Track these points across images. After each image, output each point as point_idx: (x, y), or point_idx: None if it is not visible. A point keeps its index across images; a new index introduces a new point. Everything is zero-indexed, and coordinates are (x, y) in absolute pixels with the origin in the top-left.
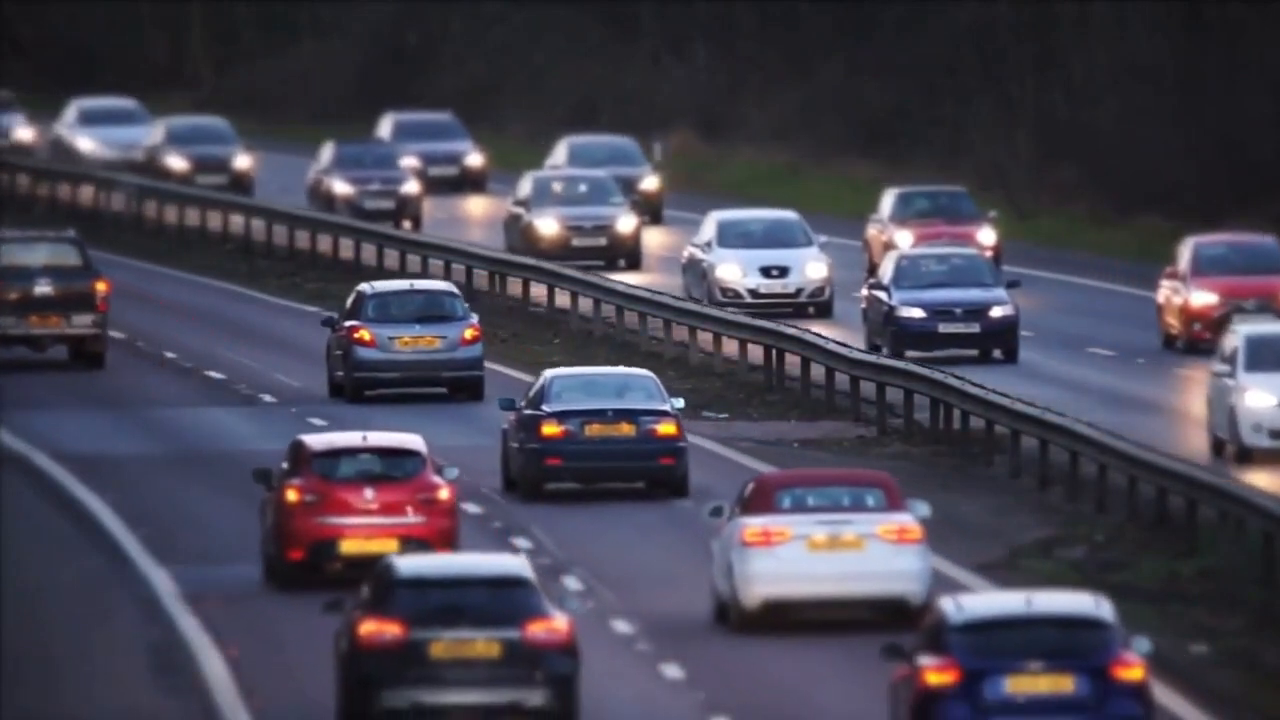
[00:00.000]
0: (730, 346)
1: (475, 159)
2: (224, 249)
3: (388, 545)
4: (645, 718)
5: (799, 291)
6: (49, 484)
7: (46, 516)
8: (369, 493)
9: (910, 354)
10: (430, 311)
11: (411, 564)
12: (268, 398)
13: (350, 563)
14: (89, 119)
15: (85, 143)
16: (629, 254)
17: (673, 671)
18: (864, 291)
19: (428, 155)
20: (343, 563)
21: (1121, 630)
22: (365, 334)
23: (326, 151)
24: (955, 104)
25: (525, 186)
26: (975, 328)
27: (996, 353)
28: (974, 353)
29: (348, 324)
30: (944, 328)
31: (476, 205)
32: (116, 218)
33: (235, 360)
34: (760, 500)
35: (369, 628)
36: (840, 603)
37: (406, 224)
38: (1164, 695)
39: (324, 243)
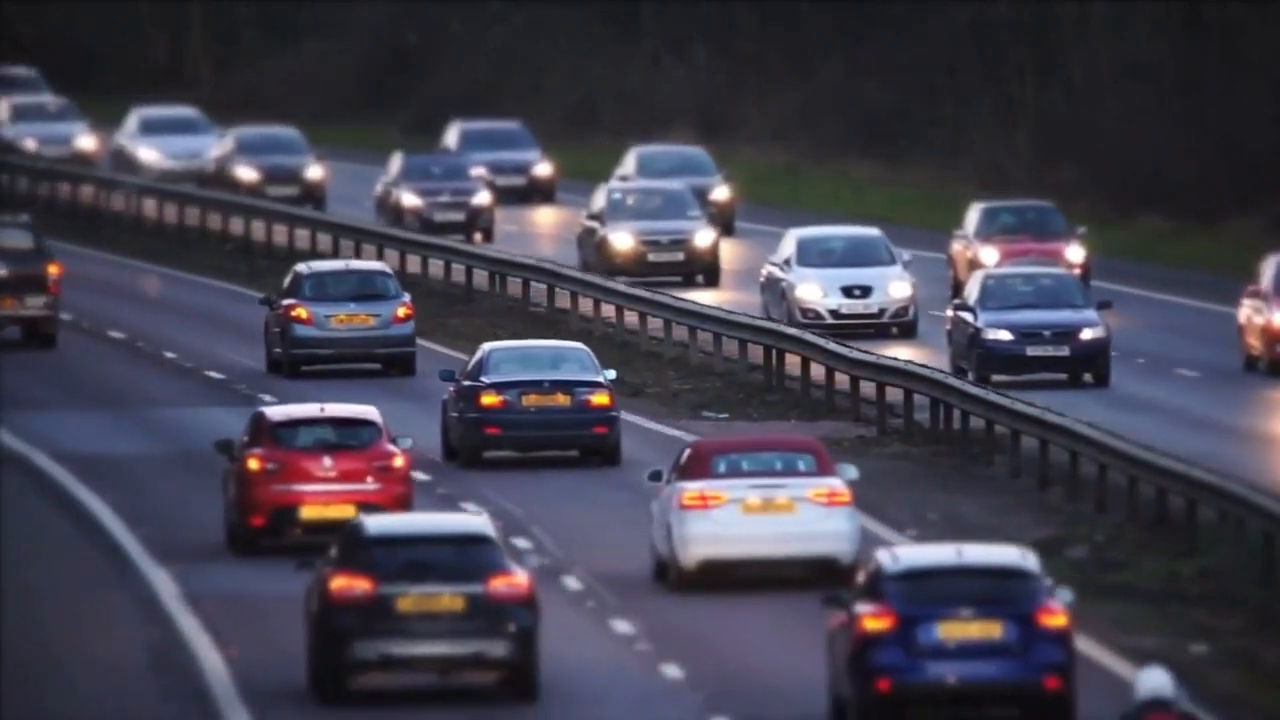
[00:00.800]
0: (730, 346)
1: (544, 168)
2: (224, 249)
3: (345, 511)
4: (644, 716)
5: (882, 312)
6: (49, 484)
7: (46, 516)
8: (327, 461)
9: (998, 379)
10: (364, 290)
11: (379, 523)
12: (268, 398)
13: (309, 528)
14: (150, 128)
15: (147, 153)
16: (707, 269)
17: (673, 672)
18: (949, 312)
19: (495, 165)
20: (302, 528)
21: (1046, 581)
22: (302, 312)
23: (395, 162)
24: (955, 104)
25: (599, 199)
26: (1065, 351)
27: (1087, 377)
28: (1063, 377)
29: (285, 302)
30: (1032, 351)
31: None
32: (116, 218)
33: (235, 360)
34: (696, 466)
35: (340, 583)
36: (774, 562)
37: (478, 237)
38: None
39: (324, 242)
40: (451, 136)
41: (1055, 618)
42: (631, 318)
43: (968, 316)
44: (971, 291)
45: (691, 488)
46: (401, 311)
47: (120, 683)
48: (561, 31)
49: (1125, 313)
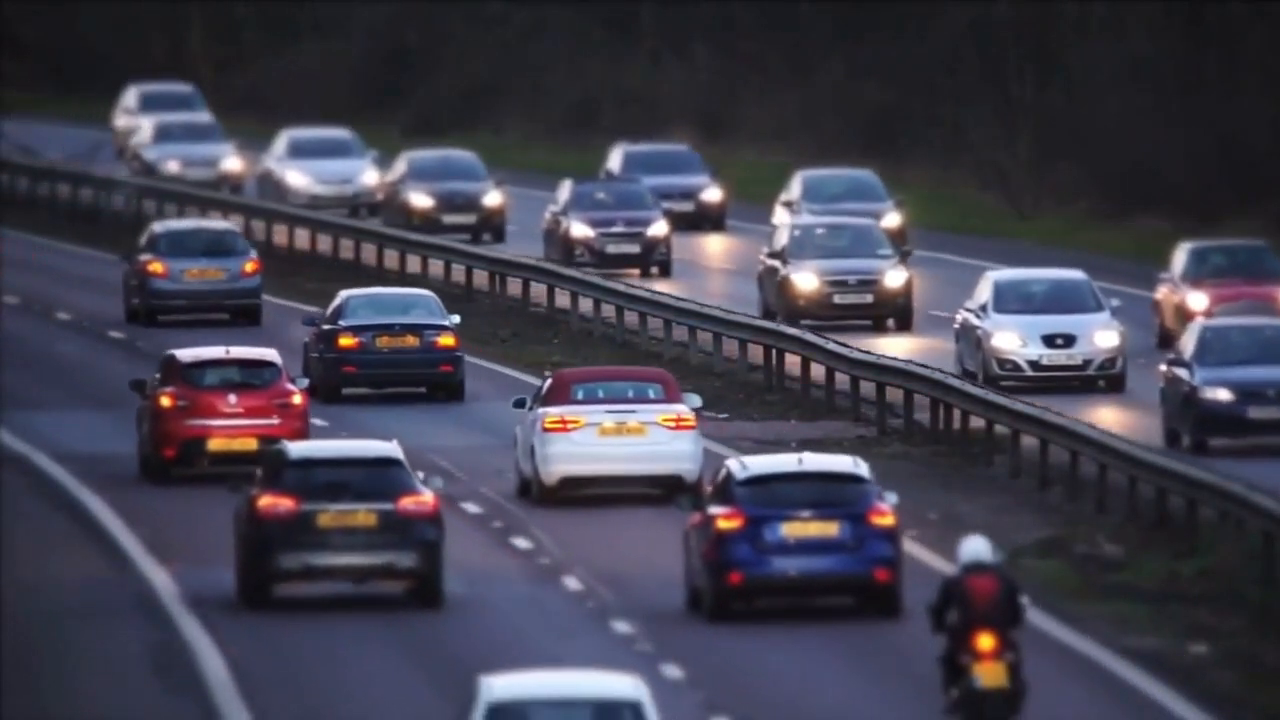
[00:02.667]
0: (730, 346)
1: (713, 194)
2: None
3: (249, 444)
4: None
5: (1087, 363)
6: (49, 484)
7: (46, 516)
8: (232, 398)
9: (1216, 444)
10: (216, 247)
11: (300, 448)
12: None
13: (216, 459)
14: (299, 151)
15: (295, 177)
16: (898, 312)
17: (673, 672)
18: (1162, 368)
19: (662, 190)
20: (209, 459)
21: (876, 485)
22: (158, 266)
23: (564, 190)
24: (955, 104)
25: (781, 236)
26: None
27: None
28: None
29: (142, 258)
30: (1255, 412)
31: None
32: (116, 217)
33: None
34: (557, 393)
35: (266, 501)
36: (625, 479)
37: (655, 270)
38: (1164, 695)
39: (324, 243)
40: (615, 159)
41: (884, 518)
42: (631, 318)
43: (1182, 373)
44: (1187, 344)
45: (553, 412)
46: (249, 266)
47: (120, 683)
48: (561, 31)
49: (1126, 312)
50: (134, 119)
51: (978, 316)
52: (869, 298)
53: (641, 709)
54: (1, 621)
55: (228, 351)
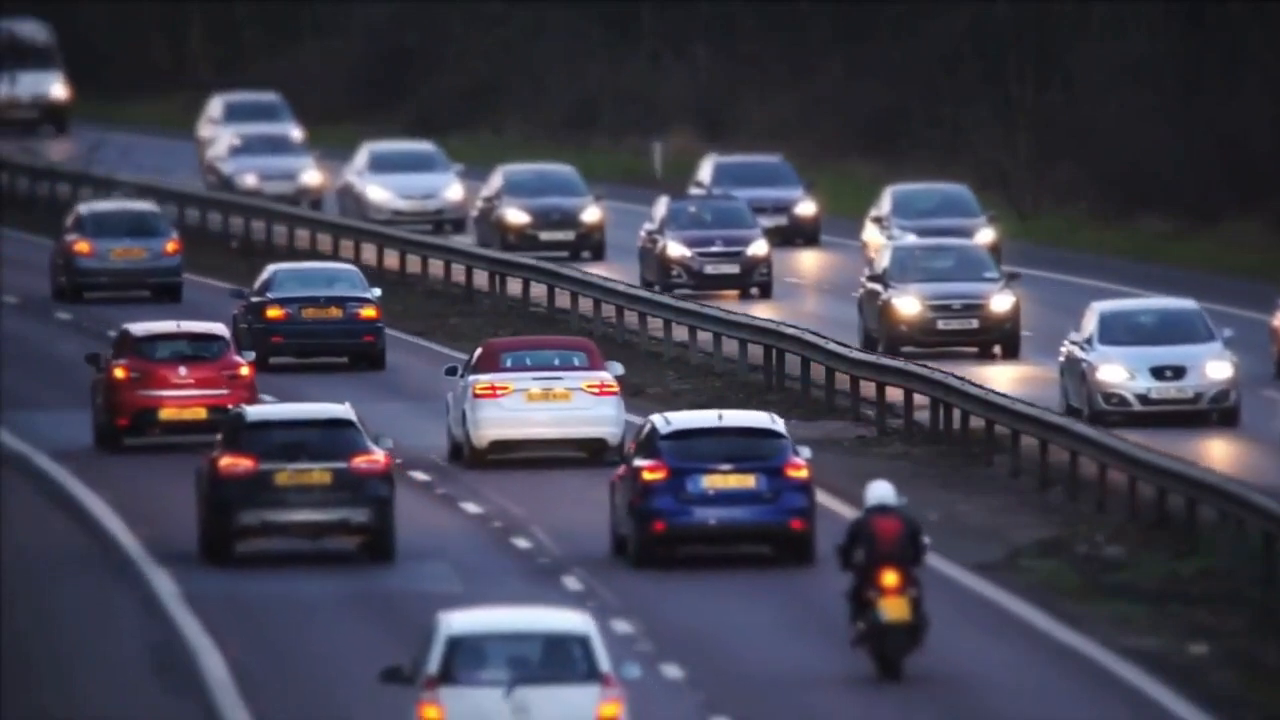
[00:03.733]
0: (730, 346)
1: (807, 207)
2: (224, 249)
3: (198, 413)
4: (645, 716)
5: (1198, 396)
6: (49, 484)
7: (46, 516)
8: (183, 370)
9: None
10: (138, 227)
11: (259, 411)
12: (268, 397)
13: (167, 428)
14: (381, 165)
15: (377, 192)
16: (1006, 338)
17: (673, 672)
18: None
19: (754, 204)
20: (161, 428)
21: (791, 440)
22: (84, 245)
23: (660, 206)
24: (955, 104)
25: (883, 257)
26: None
27: None
28: None
29: (69, 238)
30: None
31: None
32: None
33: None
34: (487, 361)
35: (227, 462)
36: (551, 442)
37: (755, 291)
38: (1164, 695)
39: (324, 243)
40: (705, 171)
41: (799, 471)
42: (631, 318)
43: None
44: None
45: (483, 379)
46: (170, 246)
47: (120, 683)
48: (561, 31)
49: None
50: (218, 129)
51: (1082, 349)
52: (974, 323)
53: (589, 641)
54: (1, 621)
55: (179, 325)
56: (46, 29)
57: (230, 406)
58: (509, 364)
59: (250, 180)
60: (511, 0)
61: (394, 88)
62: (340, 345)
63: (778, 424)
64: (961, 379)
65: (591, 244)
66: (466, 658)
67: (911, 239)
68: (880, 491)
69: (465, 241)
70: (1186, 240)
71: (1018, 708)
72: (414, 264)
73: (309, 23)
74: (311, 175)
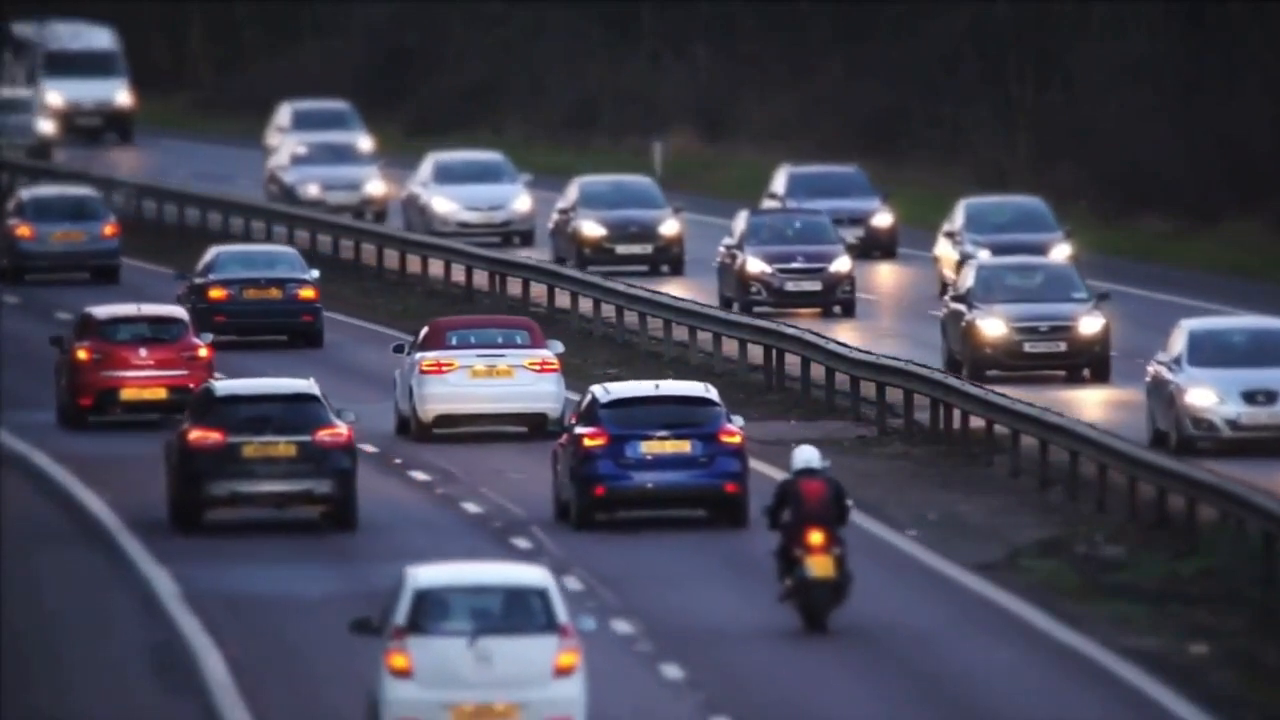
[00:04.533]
0: (730, 346)
1: (884, 218)
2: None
3: (158, 393)
4: (644, 716)
5: None
6: (49, 484)
7: (46, 516)
8: (143, 352)
9: None
10: (78, 211)
11: (226, 385)
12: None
13: (128, 407)
14: (447, 175)
15: (442, 203)
16: (1095, 362)
17: (673, 672)
18: None
19: (830, 214)
20: (122, 407)
21: (724, 408)
22: (26, 229)
23: (739, 221)
24: (955, 104)
25: (967, 276)
26: None
27: None
28: None
29: (11, 222)
30: None
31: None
32: (116, 218)
33: (235, 360)
34: (433, 339)
35: (196, 435)
36: (495, 417)
37: (837, 309)
38: (1164, 695)
39: (324, 242)
40: (779, 181)
41: (733, 437)
42: (631, 318)
43: None
44: None
45: (429, 356)
46: (108, 230)
47: (120, 683)
48: (561, 31)
49: (1122, 311)
50: (286, 137)
51: (1170, 370)
52: (1062, 346)
53: (547, 594)
54: (1, 621)
55: (139, 309)
56: (112, 34)
57: (192, 386)
58: (454, 342)
59: (313, 190)
60: (511, 0)
61: (394, 88)
62: (280, 324)
63: (712, 393)
64: (961, 378)
65: (670, 258)
66: (432, 609)
67: (985, 254)
68: (806, 455)
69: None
70: (1186, 240)
71: (1018, 708)
72: (414, 263)
73: (309, 23)
74: (375, 185)
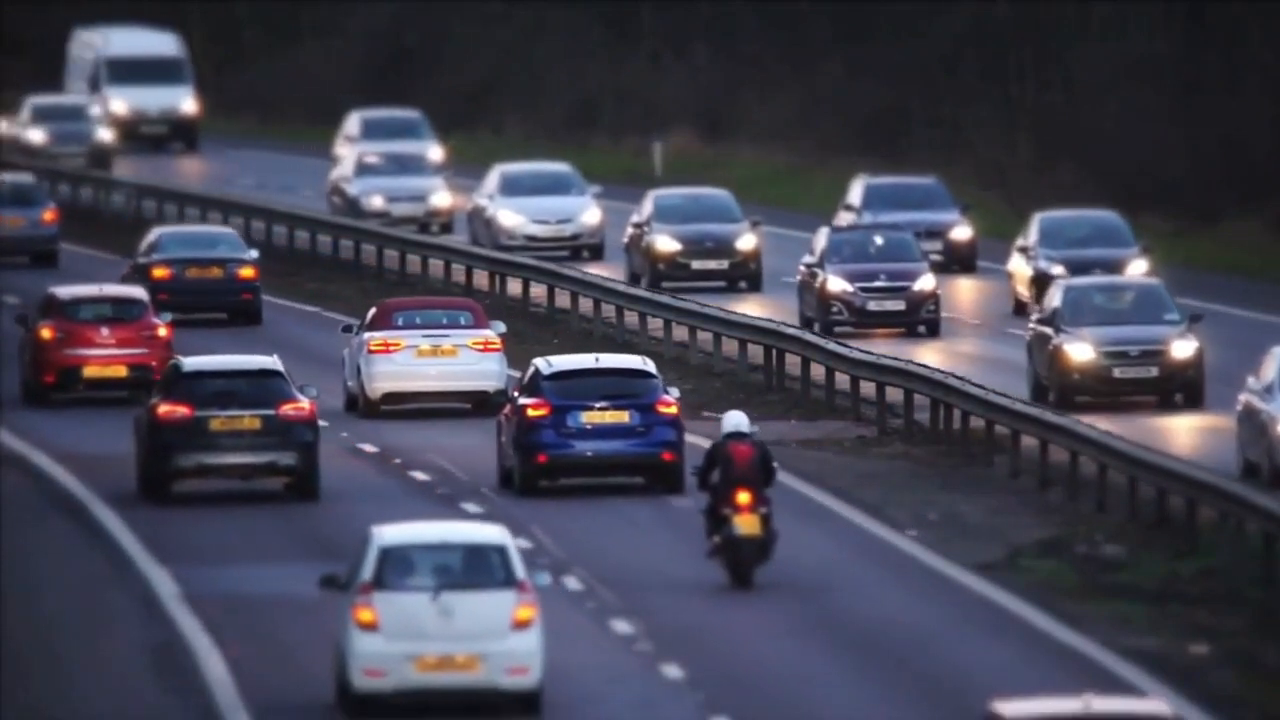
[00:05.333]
0: (730, 346)
1: (963, 231)
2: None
3: (119, 371)
4: (644, 716)
5: None
6: (49, 484)
7: (47, 517)
8: (105, 331)
9: None
10: (18, 197)
11: (194, 362)
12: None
13: (90, 384)
14: (513, 187)
15: (509, 216)
16: (1187, 387)
17: (673, 672)
18: None
19: (908, 227)
20: (84, 384)
21: (661, 380)
22: None
23: (819, 238)
24: (955, 104)
25: (1053, 297)
26: None
27: None
28: None
29: None
30: None
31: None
32: (116, 218)
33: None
34: (381, 319)
35: (165, 408)
36: (440, 394)
37: (922, 330)
38: (1164, 695)
39: (324, 243)
40: (855, 193)
41: (669, 407)
42: (631, 318)
43: None
44: None
45: (376, 336)
46: (48, 215)
47: (120, 683)
48: (561, 31)
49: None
50: (354, 147)
51: (1261, 399)
52: (1153, 371)
53: (506, 551)
54: (2, 621)
55: (101, 289)
56: (177, 41)
57: (152, 364)
58: (400, 322)
59: (377, 202)
60: (511, 0)
61: (394, 88)
62: (221, 302)
63: (649, 365)
64: (961, 379)
65: (747, 274)
66: (397, 566)
67: (1059, 270)
68: (735, 420)
69: (459, 241)
70: (1186, 240)
71: None
72: (414, 263)
73: (309, 23)
74: (441, 197)
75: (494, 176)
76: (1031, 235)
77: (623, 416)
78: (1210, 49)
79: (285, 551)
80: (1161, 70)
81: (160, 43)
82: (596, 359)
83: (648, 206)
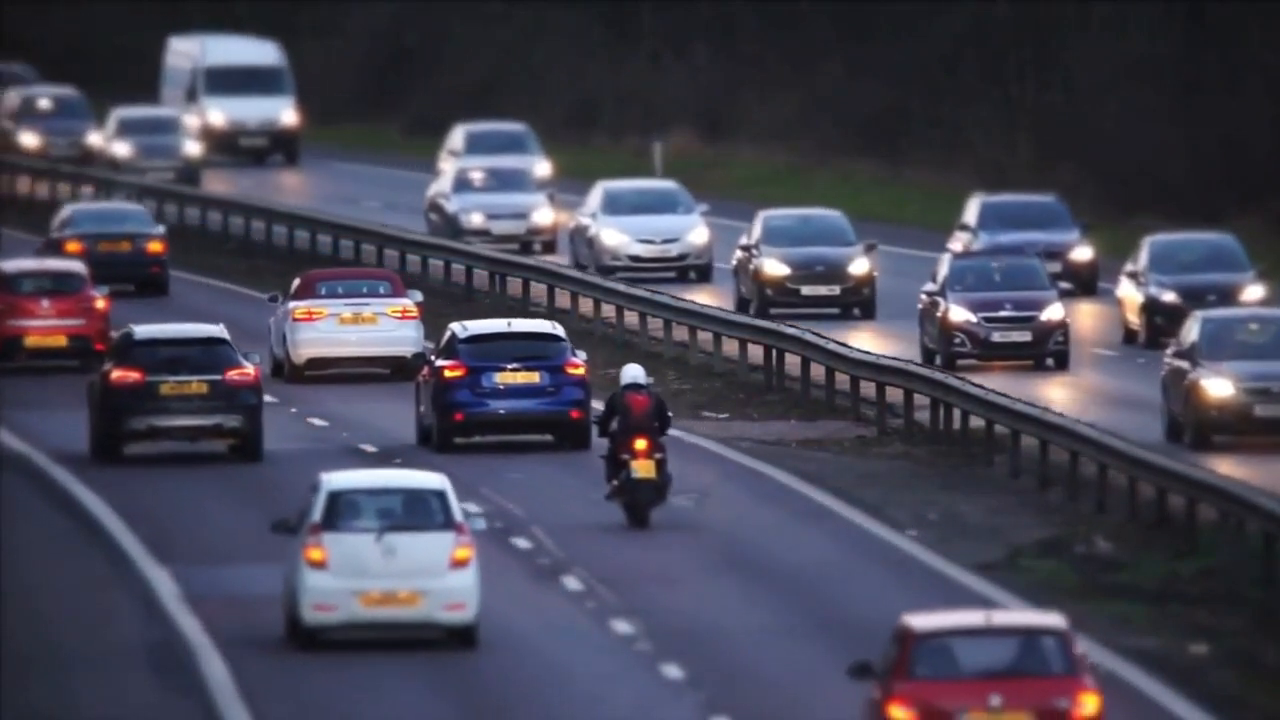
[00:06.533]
0: (730, 346)
1: (1084, 252)
2: (224, 248)
3: (59, 340)
4: (644, 716)
5: None
6: (49, 484)
7: (46, 516)
8: (45, 303)
9: None
10: None
11: (145, 330)
12: (268, 397)
13: (32, 354)
14: (616, 205)
15: (612, 235)
16: None
17: (673, 672)
18: None
19: (1028, 249)
20: (26, 354)
21: (570, 344)
22: None
23: (941, 265)
24: (955, 104)
25: (1192, 330)
26: None
27: None
28: None
29: None
30: None
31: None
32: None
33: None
34: (304, 289)
35: (118, 374)
36: (360, 360)
37: (1050, 362)
38: (1164, 695)
39: (324, 243)
40: (971, 212)
41: (577, 369)
42: (631, 318)
43: None
44: None
45: (300, 305)
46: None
47: (120, 683)
48: (561, 31)
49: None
50: (458, 162)
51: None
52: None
53: (445, 495)
54: (2, 621)
55: (41, 264)
56: (277, 49)
57: (91, 335)
58: (323, 292)
59: (476, 220)
60: (511, 0)
61: (394, 88)
62: (130, 274)
63: (558, 330)
64: (961, 379)
65: (860, 300)
66: (344, 509)
67: (1171, 297)
68: (633, 372)
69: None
70: None
71: None
72: (414, 263)
73: (309, 23)
74: (543, 214)
75: (597, 193)
76: (1141, 259)
77: (533, 377)
78: (1210, 49)
79: (282, 550)
80: (1161, 70)
81: (260, 51)
82: (509, 323)
83: (756, 227)
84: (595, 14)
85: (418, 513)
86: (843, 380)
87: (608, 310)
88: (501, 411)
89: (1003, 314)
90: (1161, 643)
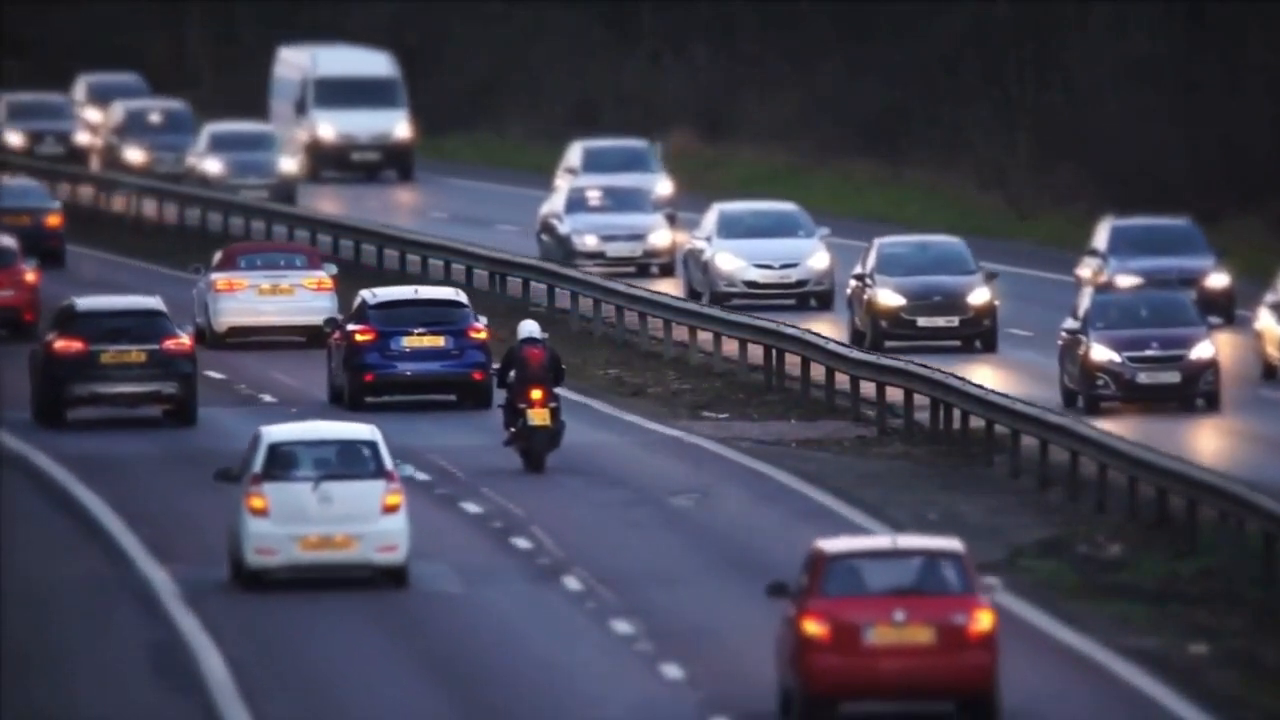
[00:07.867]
0: (730, 346)
1: (1219, 279)
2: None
3: None
4: (644, 716)
5: None
6: (49, 484)
7: (46, 516)
8: None
9: None
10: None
11: (87, 302)
12: (267, 397)
13: None
14: (733, 228)
15: (728, 260)
16: None
17: (673, 672)
18: None
19: (1153, 275)
20: None
21: (472, 310)
22: None
23: (1083, 298)
24: (955, 104)
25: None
26: None
27: None
28: None
29: None
30: None
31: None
32: (116, 218)
33: (234, 360)
34: (226, 262)
35: (61, 344)
36: (278, 329)
37: (1200, 402)
38: (1164, 695)
39: (324, 242)
40: (1101, 236)
41: (480, 334)
42: (631, 318)
43: None
44: None
45: (222, 277)
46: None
47: (120, 683)
48: (561, 31)
49: None
50: (575, 180)
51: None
52: None
53: (376, 445)
54: (2, 621)
55: None
56: (390, 61)
57: (20, 306)
58: (243, 264)
59: (590, 242)
60: (511, 0)
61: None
62: (30, 247)
63: (461, 297)
64: (962, 379)
65: (980, 331)
66: (283, 460)
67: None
68: (529, 327)
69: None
70: None
71: (1018, 707)
72: (414, 263)
73: (309, 23)
74: (661, 236)
75: (712, 215)
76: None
77: (438, 341)
78: (1210, 49)
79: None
80: (1161, 70)
81: (373, 62)
82: (415, 290)
83: (871, 255)
84: (595, 14)
85: (351, 462)
86: (843, 380)
87: (608, 310)
88: (409, 373)
89: (1149, 353)
90: (1161, 643)
